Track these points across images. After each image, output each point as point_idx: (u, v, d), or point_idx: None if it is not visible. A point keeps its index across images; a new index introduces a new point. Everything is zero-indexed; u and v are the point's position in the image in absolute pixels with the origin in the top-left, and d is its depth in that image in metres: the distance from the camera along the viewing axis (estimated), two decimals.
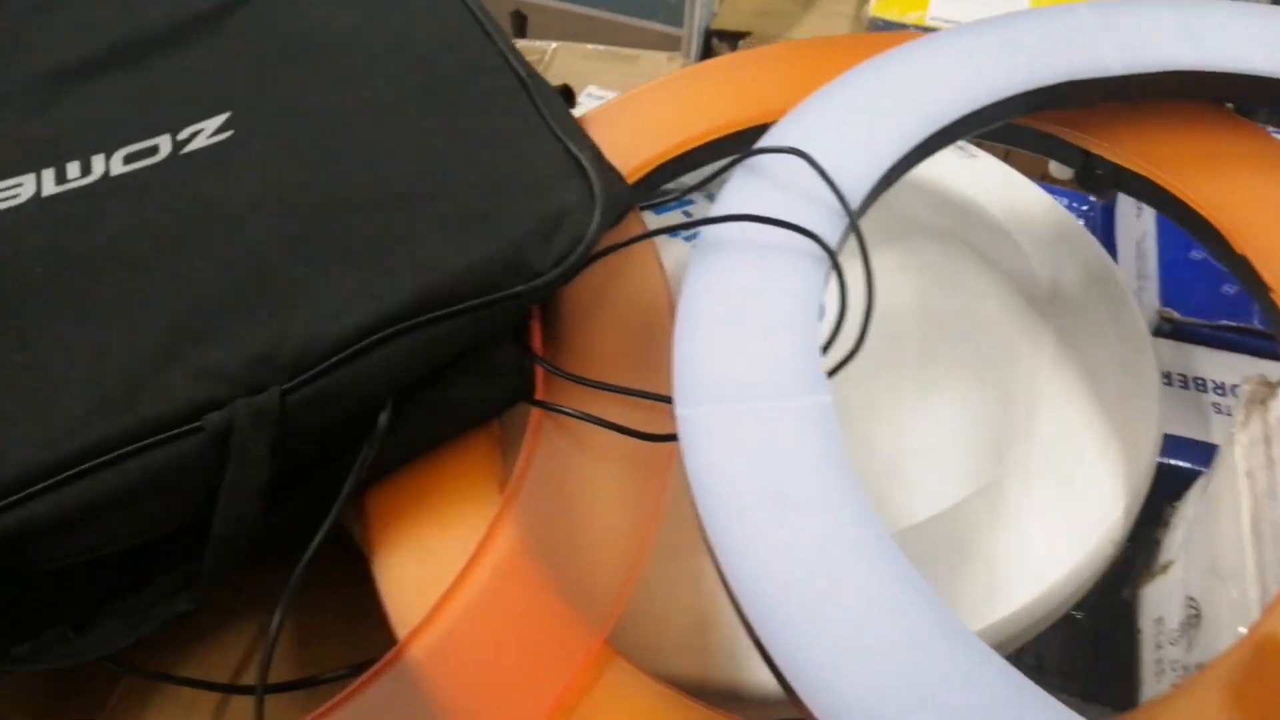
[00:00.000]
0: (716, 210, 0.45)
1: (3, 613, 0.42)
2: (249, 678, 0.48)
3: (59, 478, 0.39)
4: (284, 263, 0.45)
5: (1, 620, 0.42)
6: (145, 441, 0.40)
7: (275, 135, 0.54)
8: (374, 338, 0.41)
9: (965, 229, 0.62)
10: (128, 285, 0.47)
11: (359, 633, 0.48)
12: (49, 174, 0.55)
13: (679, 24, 0.99)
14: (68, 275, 0.48)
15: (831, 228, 0.44)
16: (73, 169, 0.55)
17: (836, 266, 0.43)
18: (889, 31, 0.97)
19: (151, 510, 0.41)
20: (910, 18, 1.00)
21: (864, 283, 0.43)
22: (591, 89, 0.74)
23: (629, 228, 0.47)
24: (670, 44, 1.00)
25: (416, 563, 0.42)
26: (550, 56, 0.82)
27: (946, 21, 1.00)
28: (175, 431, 0.40)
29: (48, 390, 0.42)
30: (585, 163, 0.46)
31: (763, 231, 0.44)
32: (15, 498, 0.39)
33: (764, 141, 0.47)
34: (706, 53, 1.03)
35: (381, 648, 0.47)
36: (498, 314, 0.43)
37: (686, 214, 0.60)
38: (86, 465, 0.39)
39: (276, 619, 0.42)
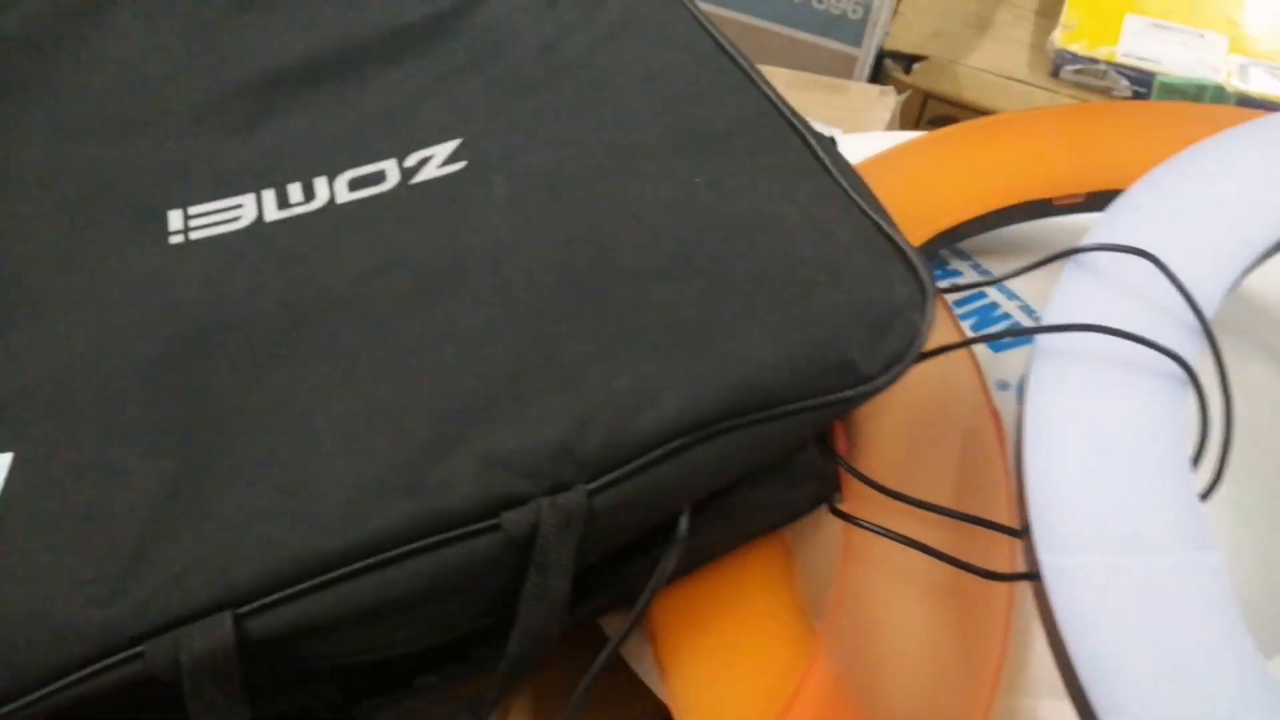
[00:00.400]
0: (1055, 315, 0.40)
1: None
2: None
3: (329, 576, 0.35)
4: (564, 334, 0.41)
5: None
6: (432, 539, 0.36)
7: (516, 171, 0.50)
8: (689, 438, 0.37)
9: None
10: (386, 341, 0.42)
11: None
12: (269, 196, 0.51)
13: (855, 43, 0.94)
14: (313, 322, 0.44)
15: (1184, 342, 0.40)
16: (294, 192, 0.51)
17: (1198, 387, 0.39)
18: (1085, 70, 0.91)
19: (430, 615, 0.37)
20: (1100, 53, 0.95)
21: (1221, 407, 0.38)
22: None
23: (943, 325, 0.42)
24: (844, 63, 0.95)
25: (718, 689, 0.38)
26: None
27: (1140, 59, 0.94)
28: (467, 530, 0.36)
29: (312, 466, 0.38)
30: (900, 244, 0.41)
31: (1108, 344, 0.39)
32: (278, 596, 0.35)
33: (1099, 235, 0.42)
34: (877, 73, 0.98)
35: None
36: (821, 419, 0.38)
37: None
38: (362, 563, 0.35)
39: None
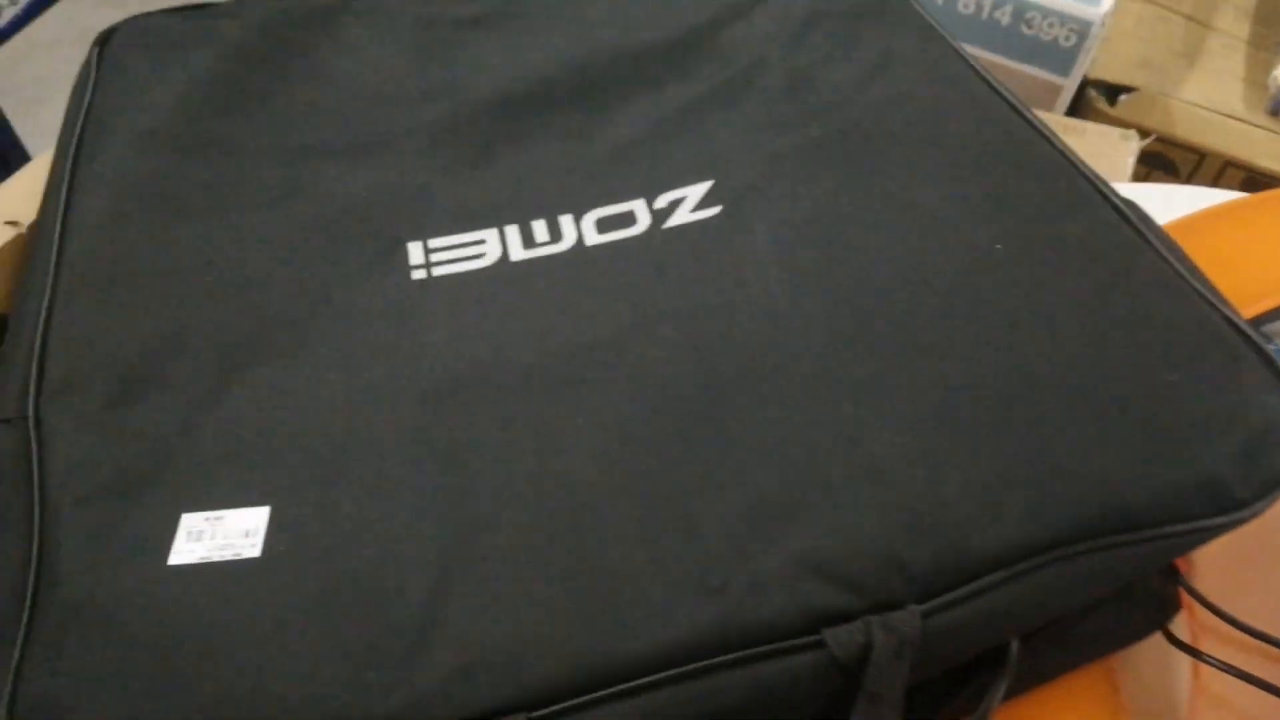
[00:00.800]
0: None
1: None
2: None
3: (629, 685, 0.32)
4: (865, 417, 0.37)
5: None
6: (744, 652, 0.32)
7: (779, 221, 0.46)
8: (1037, 560, 0.33)
9: None
10: (662, 413, 0.39)
11: None
12: (513, 233, 0.48)
13: (1062, 72, 0.88)
14: (575, 384, 0.41)
15: None
16: (539, 230, 0.48)
17: None
18: None
19: None
20: None
21: None
22: None
23: None
24: (1043, 92, 0.89)
25: None
26: None
27: None
28: (784, 645, 0.32)
29: (598, 552, 0.35)
30: (1257, 341, 0.37)
31: None
32: (572, 703, 0.32)
33: None
34: (1077, 104, 0.92)
35: None
36: (1184, 546, 0.34)
37: None
38: (665, 673, 0.32)
39: None
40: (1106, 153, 0.67)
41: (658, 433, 0.38)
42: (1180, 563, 0.37)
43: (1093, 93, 0.91)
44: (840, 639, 0.32)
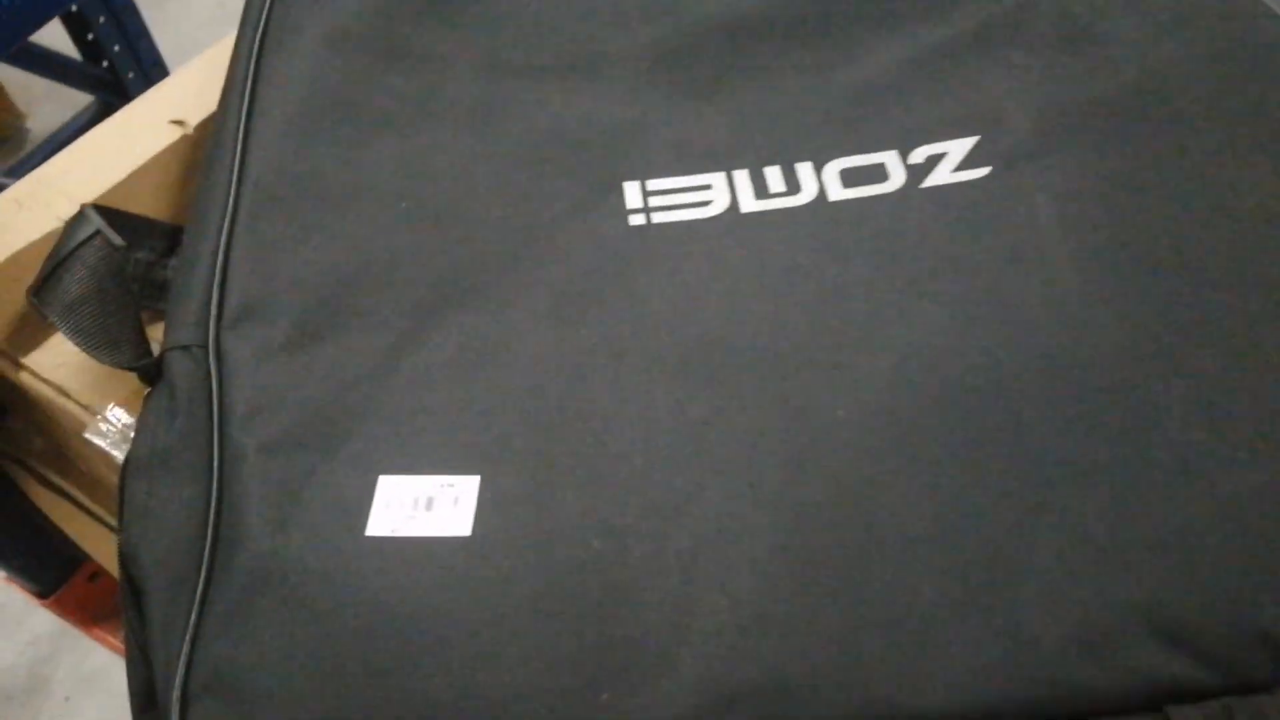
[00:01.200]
0: None
1: None
2: None
3: None
4: (1210, 454, 0.31)
5: None
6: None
7: (1070, 198, 0.39)
8: None
9: None
10: (960, 420, 0.33)
11: None
12: (742, 179, 0.42)
13: None
14: (845, 373, 0.35)
15: None
16: (773, 178, 0.42)
17: None
18: None
19: None
20: None
21: None
22: None
23: None
24: None
25: None
26: None
27: None
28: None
29: (897, 592, 0.29)
30: None
31: None
32: None
33: None
34: None
35: None
36: None
37: None
38: None
39: None
40: None
41: (942, 434, 0.32)
42: None
43: None
44: (1185, 716, 0.26)
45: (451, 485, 0.34)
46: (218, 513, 0.34)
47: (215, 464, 0.35)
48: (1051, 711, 0.27)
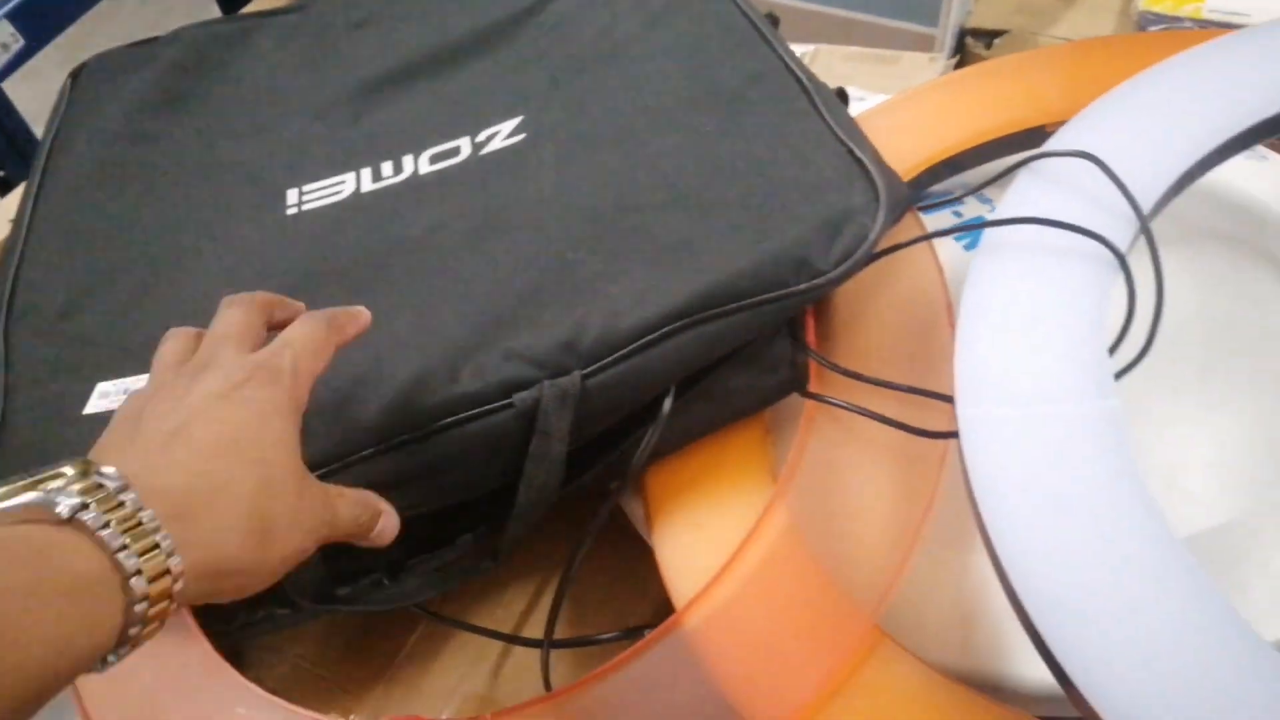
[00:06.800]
0: (1001, 213, 0.45)
1: (331, 559, 0.48)
2: (529, 633, 0.52)
3: (387, 445, 0.44)
4: (580, 260, 0.49)
5: (330, 566, 0.48)
6: (464, 415, 0.44)
7: (565, 138, 0.58)
8: (664, 330, 0.44)
9: (1257, 235, 0.59)
10: (444, 273, 0.52)
11: (628, 600, 0.51)
12: (366, 172, 0.62)
13: (933, 23, 0.98)
14: (389, 266, 0.54)
15: (1120, 232, 0.44)
16: (386, 168, 0.62)
17: (1125, 269, 0.43)
18: (1162, 28, 0.92)
19: (462, 475, 0.46)
20: (1186, 10, 0.95)
21: (1153, 287, 0.42)
22: (854, 90, 0.75)
23: (908, 229, 0.48)
24: (924, 44, 0.99)
25: (693, 539, 0.45)
26: (810, 59, 0.83)
27: (1227, 13, 0.94)
28: (490, 407, 0.44)
29: (386, 365, 0.47)
30: (868, 164, 0.47)
31: (1049, 235, 0.44)
32: (356, 457, 0.45)
33: (1051, 144, 0.47)
34: (961, 52, 1.02)
35: (650, 616, 0.50)
36: (780, 309, 0.45)
37: (956, 214, 0.60)
38: (415, 434, 0.44)
39: (562, 581, 0.46)
40: (914, 74, 0.77)
41: (429, 286, 0.51)
42: (816, 338, 0.47)
43: (970, 40, 1.00)
44: (523, 399, 0.44)
45: (139, 381, 0.52)
46: (3, 424, 0.52)
47: (2, 399, 0.53)
48: (455, 411, 0.44)
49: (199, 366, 0.38)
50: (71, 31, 1.18)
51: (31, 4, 1.01)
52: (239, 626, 0.51)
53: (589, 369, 0.44)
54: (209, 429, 0.34)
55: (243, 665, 0.54)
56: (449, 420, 0.44)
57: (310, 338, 0.39)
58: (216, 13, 1.30)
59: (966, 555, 0.45)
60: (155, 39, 0.76)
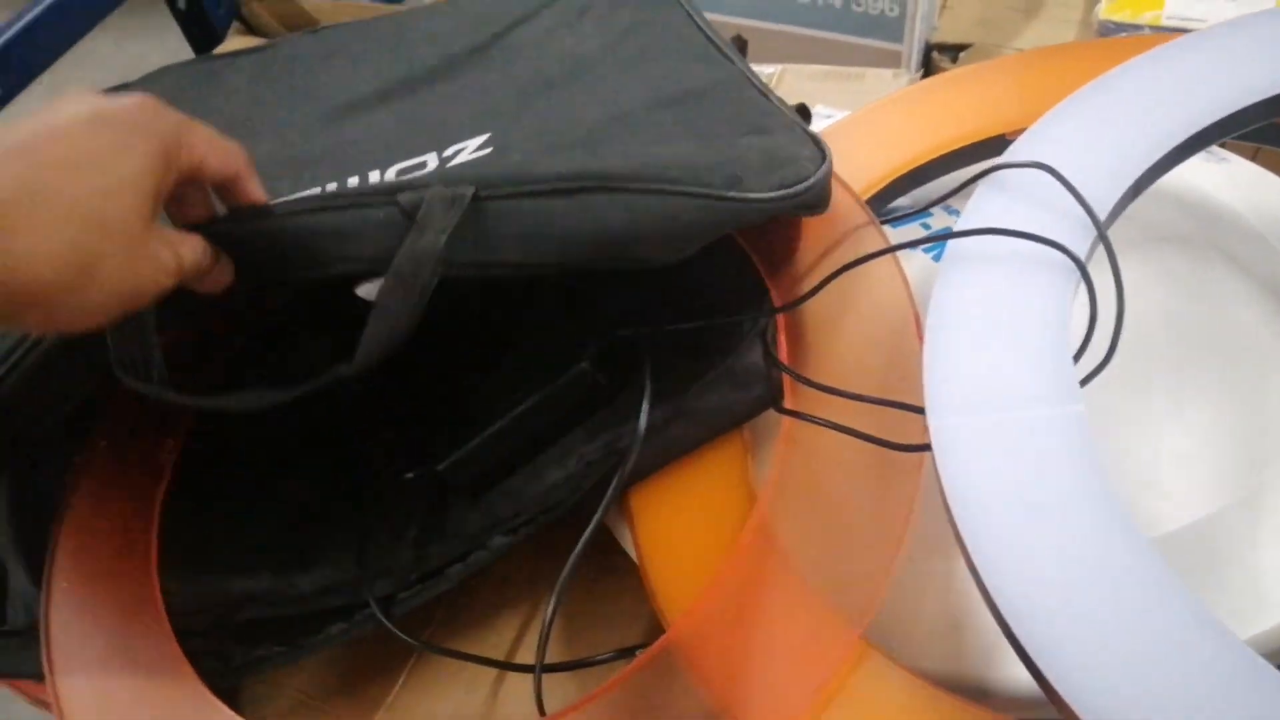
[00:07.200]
0: (962, 224, 0.46)
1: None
2: (522, 658, 0.52)
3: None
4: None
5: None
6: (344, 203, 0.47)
7: (532, 148, 0.59)
8: (579, 184, 0.46)
9: (1216, 235, 0.60)
10: None
11: (619, 620, 0.52)
12: (332, 187, 0.63)
13: (899, 39, 1.00)
14: None
15: (1079, 240, 0.45)
16: (352, 182, 0.63)
17: (1085, 276, 0.44)
18: (1121, 35, 0.94)
19: (348, 250, 0.47)
20: (1145, 18, 0.97)
21: (1114, 293, 0.43)
22: (820, 108, 0.76)
23: (873, 242, 0.49)
24: (890, 60, 1.01)
25: (679, 557, 0.45)
26: (777, 79, 0.84)
27: (1184, 20, 0.96)
28: (372, 200, 0.47)
29: None
30: (813, 134, 0.50)
31: (1010, 244, 0.45)
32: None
33: (1008, 155, 0.48)
34: (927, 66, 1.03)
35: (642, 636, 0.51)
36: (702, 211, 0.46)
37: (925, 226, 0.61)
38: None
39: (552, 605, 0.46)
40: (879, 90, 0.79)
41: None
42: (789, 355, 0.48)
43: (936, 54, 1.02)
44: (410, 198, 0.45)
45: None
46: None
47: None
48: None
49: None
50: (51, 70, 1.20)
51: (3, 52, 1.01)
52: (235, 667, 0.51)
53: (486, 191, 0.45)
54: (58, 146, 0.33)
55: (241, 703, 0.55)
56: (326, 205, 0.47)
57: (222, 171, 0.40)
58: (191, 54, 1.31)
59: (950, 562, 0.45)
60: (128, 84, 0.77)
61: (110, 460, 0.56)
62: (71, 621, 0.49)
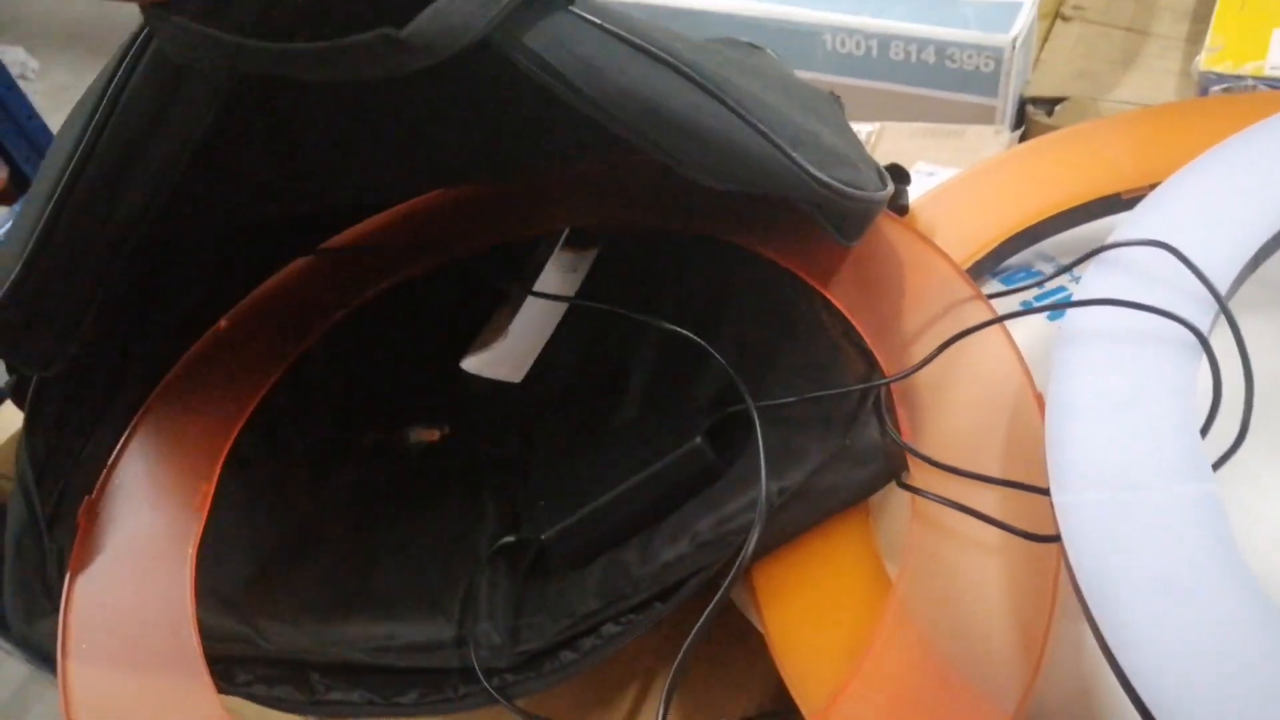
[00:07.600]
0: (1078, 298, 0.46)
1: None
2: None
3: None
4: None
5: None
6: None
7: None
8: (656, 52, 0.44)
9: None
10: None
11: (725, 691, 0.52)
12: None
13: (993, 95, 1.00)
14: None
15: (1201, 312, 0.45)
16: None
17: (1207, 349, 0.43)
18: (1232, 88, 0.93)
19: None
20: (1247, 68, 0.95)
21: (1241, 369, 0.43)
22: (921, 165, 0.77)
23: (980, 313, 0.49)
24: (984, 114, 1.01)
25: (812, 637, 0.46)
26: (875, 137, 0.85)
27: None
28: None
29: None
30: (884, 173, 0.52)
31: (1131, 318, 0.45)
32: None
33: (1124, 231, 0.48)
34: (1020, 120, 1.03)
35: (752, 707, 0.51)
36: (758, 151, 0.45)
37: (1039, 288, 0.61)
38: None
39: (668, 685, 0.47)
40: (980, 148, 0.79)
41: None
42: (909, 430, 0.49)
43: (1031, 108, 1.02)
44: None
45: None
46: None
47: None
48: None
49: None
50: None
51: None
52: (317, 702, 0.51)
53: (579, 9, 0.43)
54: None
55: None
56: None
57: None
58: None
59: (1077, 627, 0.45)
60: None
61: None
62: (93, 605, 0.48)
